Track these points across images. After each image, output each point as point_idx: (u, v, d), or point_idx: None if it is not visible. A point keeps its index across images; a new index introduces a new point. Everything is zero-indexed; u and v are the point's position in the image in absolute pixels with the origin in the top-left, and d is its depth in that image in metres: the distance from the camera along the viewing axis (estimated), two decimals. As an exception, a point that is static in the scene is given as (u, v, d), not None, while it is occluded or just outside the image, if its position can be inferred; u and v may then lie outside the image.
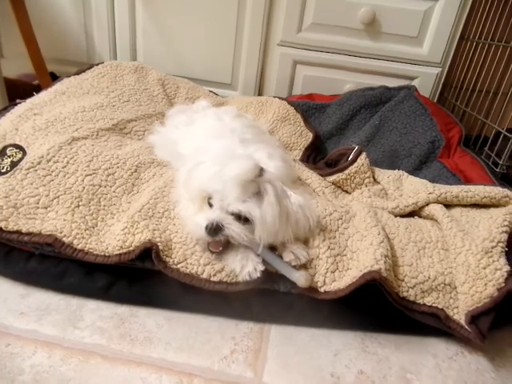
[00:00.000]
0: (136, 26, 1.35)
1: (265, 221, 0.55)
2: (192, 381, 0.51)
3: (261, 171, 0.56)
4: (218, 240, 0.56)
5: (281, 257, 0.58)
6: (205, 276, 0.57)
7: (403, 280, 0.60)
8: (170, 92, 1.14)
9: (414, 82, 1.24)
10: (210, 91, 1.24)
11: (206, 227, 0.55)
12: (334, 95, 1.22)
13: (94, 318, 0.58)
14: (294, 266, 0.57)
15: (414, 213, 0.76)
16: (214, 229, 0.55)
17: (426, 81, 1.25)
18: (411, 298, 0.59)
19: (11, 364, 0.50)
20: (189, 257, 0.59)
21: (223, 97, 1.26)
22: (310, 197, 0.74)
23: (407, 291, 0.59)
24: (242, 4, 1.24)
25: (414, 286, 0.59)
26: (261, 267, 0.57)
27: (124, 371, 0.51)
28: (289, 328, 0.60)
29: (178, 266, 0.58)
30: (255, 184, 0.56)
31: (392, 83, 1.20)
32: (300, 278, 0.56)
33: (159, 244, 0.58)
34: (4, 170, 0.67)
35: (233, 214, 0.56)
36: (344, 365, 0.56)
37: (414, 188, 0.78)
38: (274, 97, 1.17)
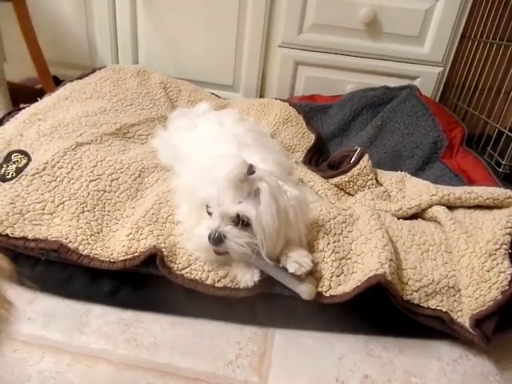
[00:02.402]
0: (138, 30, 1.35)
1: (263, 220, 0.54)
2: (198, 385, 0.51)
3: (250, 168, 0.55)
4: (221, 249, 0.56)
5: (284, 268, 0.57)
6: (209, 282, 0.58)
7: (407, 283, 0.60)
8: (172, 95, 1.14)
9: (416, 82, 1.24)
10: (212, 93, 1.24)
11: (209, 237, 0.55)
12: (335, 96, 1.22)
13: (100, 323, 0.59)
14: (300, 276, 0.57)
15: (417, 215, 0.76)
16: (217, 238, 0.54)
17: (428, 80, 1.24)
18: (415, 301, 0.59)
19: (19, 370, 0.51)
20: (193, 262, 0.59)
21: (225, 99, 1.26)
22: (307, 191, 0.75)
23: (411, 294, 0.59)
24: (243, 6, 1.24)
25: (418, 290, 0.59)
26: (257, 276, 0.57)
27: (130, 376, 0.52)
28: (293, 332, 0.61)
29: (183, 271, 0.58)
30: (248, 184, 0.55)
31: (393, 83, 1.20)
32: (304, 292, 0.56)
33: (164, 250, 0.59)
34: (9, 176, 0.68)
35: (232, 220, 0.56)
36: (348, 369, 0.56)
37: (416, 190, 0.78)
38: (276, 99, 1.17)
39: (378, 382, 0.54)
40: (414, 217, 0.76)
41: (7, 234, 0.59)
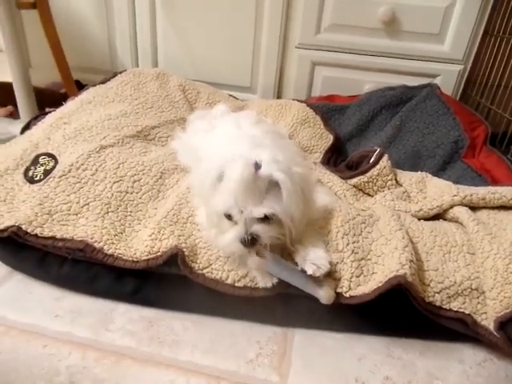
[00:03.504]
0: (157, 33, 1.38)
1: (289, 211, 0.55)
2: (219, 383, 0.52)
3: (256, 165, 0.55)
4: (256, 249, 0.56)
5: (302, 272, 0.57)
6: (229, 281, 0.59)
7: (429, 285, 0.59)
8: (191, 97, 1.16)
9: (436, 80, 1.22)
10: (230, 95, 1.26)
11: (243, 242, 0.55)
12: (353, 96, 1.21)
13: (124, 321, 0.60)
14: (318, 278, 0.57)
15: (438, 216, 0.75)
16: (250, 241, 0.55)
17: (449, 78, 1.22)
18: (437, 303, 0.58)
19: (48, 364, 0.53)
20: (213, 262, 0.60)
21: (243, 100, 1.27)
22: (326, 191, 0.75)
23: (433, 296, 0.59)
24: (260, 8, 1.25)
25: (440, 291, 0.59)
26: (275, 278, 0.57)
27: (154, 373, 0.53)
28: (312, 332, 0.61)
29: (204, 271, 0.59)
30: (261, 180, 0.55)
31: (413, 82, 1.18)
32: (323, 296, 0.56)
33: (185, 250, 0.60)
34: (38, 178, 0.70)
35: (257, 219, 0.56)
36: (369, 370, 0.56)
37: (438, 190, 0.77)
38: (293, 99, 1.17)
39: (399, 384, 0.54)
40: (435, 218, 0.75)
41: (36, 234, 0.62)
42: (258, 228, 0.55)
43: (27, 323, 0.58)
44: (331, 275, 0.59)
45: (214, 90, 1.22)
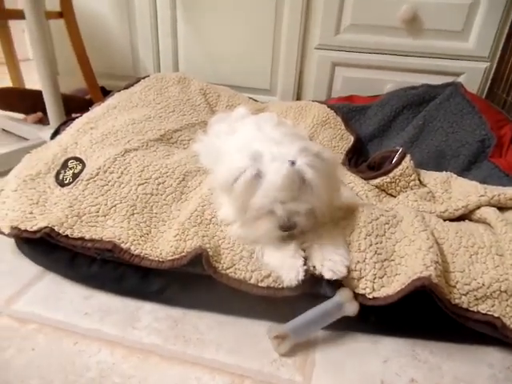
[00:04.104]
0: (177, 38, 1.41)
1: (322, 200, 0.59)
2: (244, 381, 0.53)
3: (292, 163, 0.58)
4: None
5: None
6: (252, 281, 0.59)
7: (455, 286, 0.58)
8: (212, 101, 1.17)
9: (460, 79, 1.20)
10: (250, 98, 1.27)
11: (282, 227, 0.60)
12: (374, 96, 1.20)
13: (150, 320, 0.62)
14: (336, 281, 0.58)
15: (464, 216, 0.74)
16: (291, 225, 0.60)
17: (473, 76, 1.20)
18: (464, 306, 0.57)
19: (79, 360, 0.55)
20: (236, 262, 0.61)
21: (263, 103, 1.28)
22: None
23: (459, 298, 0.58)
24: (280, 10, 1.26)
25: (467, 293, 0.58)
26: (302, 275, 0.58)
27: (180, 370, 0.54)
28: (336, 333, 0.61)
29: (227, 271, 0.60)
30: (297, 175, 0.58)
31: (436, 81, 1.16)
32: (351, 311, 0.57)
33: (209, 250, 0.61)
34: (67, 181, 0.73)
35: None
36: (394, 372, 0.55)
37: (463, 190, 0.76)
38: (313, 101, 1.18)
39: (425, 387, 0.53)
40: (460, 218, 0.73)
41: (67, 235, 0.64)
42: (296, 218, 0.60)
43: (59, 321, 0.61)
44: (352, 276, 0.59)
45: (234, 92, 1.24)
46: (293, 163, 0.58)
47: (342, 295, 0.58)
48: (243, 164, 0.60)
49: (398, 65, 1.24)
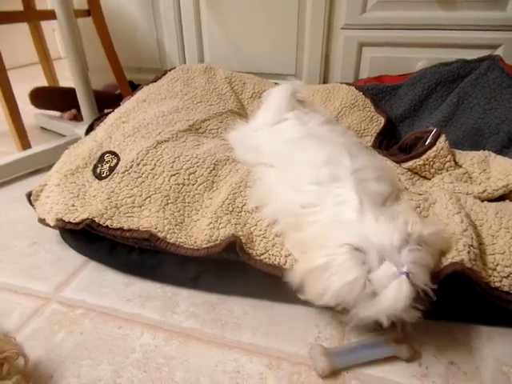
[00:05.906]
0: (202, 29, 1.41)
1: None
2: (281, 364, 0.54)
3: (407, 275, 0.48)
4: None
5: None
6: (287, 266, 0.60)
7: (495, 269, 0.57)
8: (237, 89, 1.17)
9: (498, 51, 1.13)
10: (276, 83, 1.26)
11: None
12: (404, 75, 1.16)
13: (188, 305, 0.64)
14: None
15: (504, 196, 0.71)
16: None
17: (513, 48, 1.12)
18: (505, 289, 0.56)
19: (124, 343, 0.58)
20: (270, 248, 0.62)
21: (288, 88, 1.26)
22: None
23: (500, 281, 0.56)
24: (303, -8, 1.23)
25: (508, 276, 0.56)
26: None
27: (218, 353, 0.56)
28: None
29: (261, 257, 0.61)
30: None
31: (470, 55, 1.10)
32: (405, 356, 0.54)
33: (242, 237, 0.62)
34: (104, 174, 0.77)
35: None
36: (432, 355, 0.55)
37: (503, 169, 0.72)
38: (341, 83, 1.15)
39: (464, 370, 0.52)
40: (501, 198, 0.71)
41: (107, 225, 0.68)
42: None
43: (103, 306, 0.65)
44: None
45: (260, 79, 1.23)
46: (407, 275, 0.48)
47: (400, 350, 0.54)
48: (352, 276, 0.49)
49: (429, 40, 1.18)
